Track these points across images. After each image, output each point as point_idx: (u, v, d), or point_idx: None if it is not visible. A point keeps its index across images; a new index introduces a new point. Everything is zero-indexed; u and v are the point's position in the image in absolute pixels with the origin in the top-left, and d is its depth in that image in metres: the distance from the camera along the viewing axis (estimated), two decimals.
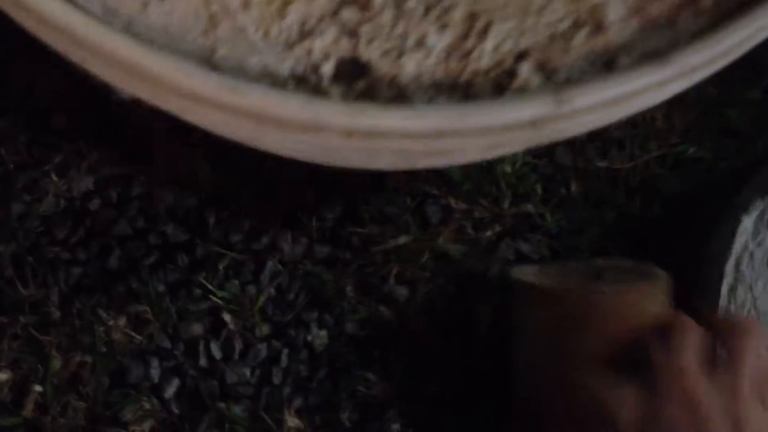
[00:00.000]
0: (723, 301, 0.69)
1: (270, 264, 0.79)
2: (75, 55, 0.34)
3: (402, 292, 0.80)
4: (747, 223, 0.71)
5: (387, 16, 0.31)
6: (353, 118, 0.30)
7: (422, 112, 0.31)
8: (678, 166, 0.83)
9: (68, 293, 0.77)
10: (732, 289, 0.69)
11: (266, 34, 0.32)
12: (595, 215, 0.81)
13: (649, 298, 0.57)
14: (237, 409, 0.77)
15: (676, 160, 0.83)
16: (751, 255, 0.71)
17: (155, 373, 0.78)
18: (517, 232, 0.80)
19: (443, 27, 0.33)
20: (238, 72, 0.31)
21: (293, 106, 0.29)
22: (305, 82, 0.31)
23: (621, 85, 0.32)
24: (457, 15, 0.33)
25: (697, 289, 0.70)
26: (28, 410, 0.76)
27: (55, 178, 0.77)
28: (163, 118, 0.64)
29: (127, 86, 0.34)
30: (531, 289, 0.71)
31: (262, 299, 0.79)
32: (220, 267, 0.79)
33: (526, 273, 0.74)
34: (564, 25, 0.34)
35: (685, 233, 0.77)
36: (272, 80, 0.31)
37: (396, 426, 0.78)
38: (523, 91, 0.33)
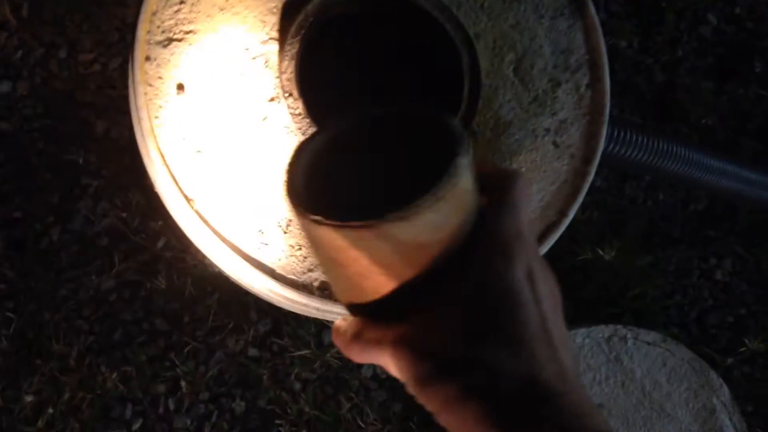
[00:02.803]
0: None
1: (218, 354, 1.23)
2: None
3: (298, 385, 1.25)
4: None
5: None
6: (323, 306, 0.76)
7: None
8: None
9: (83, 351, 1.18)
10: None
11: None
12: None
13: None
14: None
15: None
16: None
17: (128, 413, 1.19)
18: None
19: None
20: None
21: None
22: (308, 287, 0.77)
23: None
24: None
25: None
26: (41, 425, 1.15)
27: (93, 277, 1.19)
28: (171, 251, 1.11)
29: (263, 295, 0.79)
30: None
31: (208, 375, 1.22)
32: (185, 350, 1.22)
33: None
34: None
35: None
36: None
37: None
38: None
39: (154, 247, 1.20)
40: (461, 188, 0.42)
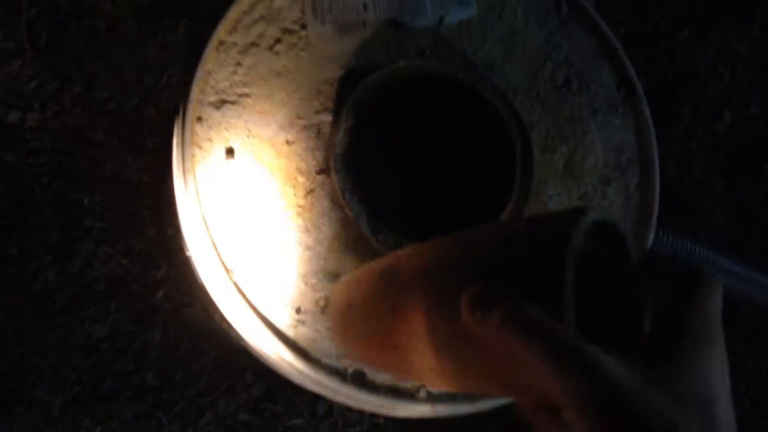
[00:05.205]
0: None
1: (207, 415, 1.17)
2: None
3: None
4: None
5: None
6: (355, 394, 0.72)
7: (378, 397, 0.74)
8: None
9: (68, 401, 1.12)
10: None
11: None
12: None
13: None
14: None
15: None
16: None
17: None
18: None
19: None
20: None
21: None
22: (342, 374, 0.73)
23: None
24: None
25: None
26: None
27: (86, 324, 1.13)
28: (170, 303, 1.06)
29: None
30: None
31: None
32: (174, 410, 1.16)
33: None
34: None
35: None
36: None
37: None
38: (421, 399, 0.77)
39: (152, 297, 1.15)
40: None
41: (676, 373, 0.36)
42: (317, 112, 0.74)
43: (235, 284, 0.70)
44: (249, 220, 0.71)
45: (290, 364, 0.73)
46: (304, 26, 0.75)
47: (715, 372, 0.36)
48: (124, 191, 1.16)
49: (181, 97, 0.72)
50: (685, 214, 1.37)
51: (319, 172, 0.73)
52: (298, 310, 0.72)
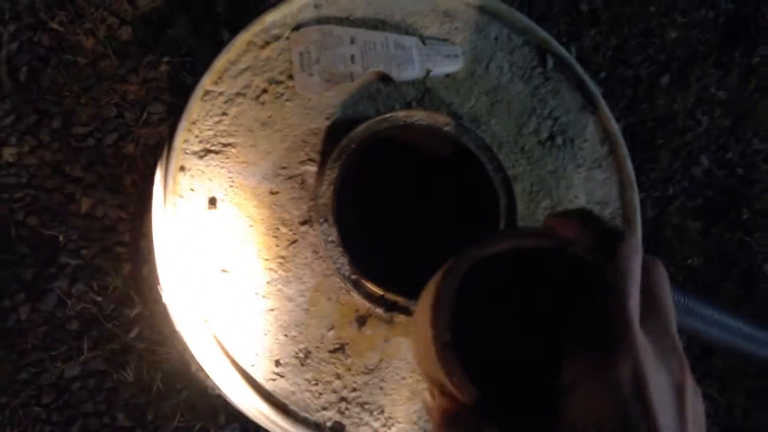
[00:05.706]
0: None
1: None
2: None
3: None
4: None
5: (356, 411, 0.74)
6: None
7: None
8: None
9: None
10: None
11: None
12: None
13: None
14: None
15: None
16: None
17: None
18: None
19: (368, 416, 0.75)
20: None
21: None
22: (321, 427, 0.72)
23: None
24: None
25: None
26: None
27: (58, 363, 1.11)
28: (143, 342, 1.04)
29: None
30: None
31: None
32: None
33: None
34: None
35: None
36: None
37: None
38: None
39: (126, 336, 1.13)
40: None
41: None
42: (302, 163, 0.74)
43: (213, 335, 0.69)
44: (229, 271, 0.70)
45: (268, 418, 0.72)
46: (291, 77, 0.75)
47: (617, 378, 0.33)
48: (101, 228, 1.14)
49: (161, 135, 0.71)
50: (661, 256, 1.38)
51: (303, 222, 0.73)
52: (277, 363, 0.71)
